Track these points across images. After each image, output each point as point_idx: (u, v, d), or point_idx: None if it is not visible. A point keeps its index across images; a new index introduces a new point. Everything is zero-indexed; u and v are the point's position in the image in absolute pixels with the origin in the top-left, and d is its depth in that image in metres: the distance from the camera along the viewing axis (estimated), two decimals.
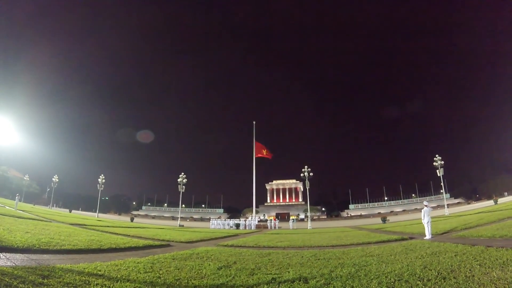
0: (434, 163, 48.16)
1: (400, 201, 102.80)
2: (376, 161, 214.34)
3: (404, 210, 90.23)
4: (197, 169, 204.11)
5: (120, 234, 17.49)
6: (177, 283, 5.85)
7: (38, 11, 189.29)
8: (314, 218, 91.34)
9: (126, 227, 25.56)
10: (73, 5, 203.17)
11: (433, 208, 59.02)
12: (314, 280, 5.96)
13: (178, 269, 7.13)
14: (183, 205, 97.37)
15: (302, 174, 46.92)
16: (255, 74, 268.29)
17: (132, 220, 52.09)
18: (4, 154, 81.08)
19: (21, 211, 28.84)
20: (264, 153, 53.37)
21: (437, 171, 47.61)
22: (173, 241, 15.44)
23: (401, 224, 30.89)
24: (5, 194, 75.00)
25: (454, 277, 5.54)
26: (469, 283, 5.11)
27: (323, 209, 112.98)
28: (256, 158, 53.51)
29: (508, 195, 70.26)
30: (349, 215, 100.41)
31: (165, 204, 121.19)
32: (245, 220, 47.05)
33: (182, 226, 43.58)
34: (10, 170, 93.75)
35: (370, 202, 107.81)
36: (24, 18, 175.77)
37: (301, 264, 8.05)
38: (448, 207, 48.26)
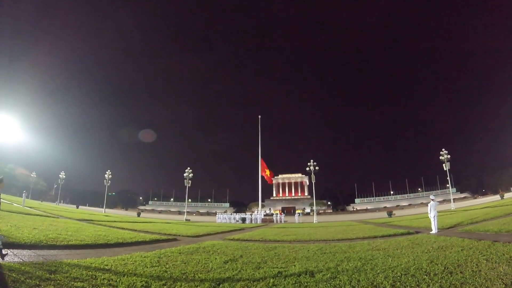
0: (441, 157, 47.91)
1: (406, 195, 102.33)
2: (382, 155, 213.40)
3: (410, 204, 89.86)
4: (203, 164, 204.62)
5: (127, 229, 17.62)
6: (184, 276, 5.87)
7: (41, 10, 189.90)
8: (320, 212, 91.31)
9: (133, 222, 25.76)
10: (74, 4, 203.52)
11: (439, 202, 58.59)
12: (320, 274, 5.95)
13: (185, 263, 7.17)
14: (189, 200, 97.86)
15: (307, 168, 46.77)
16: (260, 69, 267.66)
17: (138, 215, 52.47)
18: (11, 152, 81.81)
19: (28, 208, 29.13)
20: (267, 173, 53.68)
21: (444, 165, 47.36)
22: (179, 235, 15.53)
23: (407, 218, 30.76)
24: (13, 191, 75.78)
25: (460, 272, 5.50)
26: (476, 278, 5.07)
27: (329, 203, 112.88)
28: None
29: None
30: (355, 209, 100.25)
31: (172, 199, 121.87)
32: (251, 214, 47.25)
33: (189, 220, 43.87)
34: (17, 168, 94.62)
35: (376, 196, 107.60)
36: (28, 18, 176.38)
37: (307, 258, 8.05)
38: (454, 202, 48.02)
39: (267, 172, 54.38)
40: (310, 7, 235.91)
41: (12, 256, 6.52)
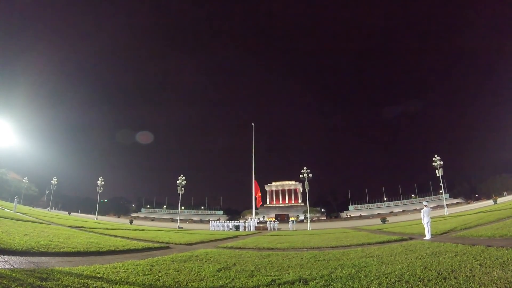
0: (433, 163, 48.27)
1: (399, 201, 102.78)
2: (375, 162, 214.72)
3: (403, 211, 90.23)
4: (197, 170, 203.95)
5: (119, 236, 17.42)
6: (176, 285, 5.82)
7: (37, 12, 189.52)
8: (314, 219, 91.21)
9: (125, 230, 25.47)
10: (71, 6, 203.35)
11: (433, 208, 59.03)
12: (314, 282, 5.93)
13: (177, 271, 7.09)
14: (182, 207, 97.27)
15: (301, 175, 46.89)
16: (254, 75, 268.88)
17: (131, 222, 51.90)
18: (3, 156, 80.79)
19: (20, 214, 28.68)
20: (259, 195, 55.32)
21: (436, 171, 47.69)
22: (172, 243, 15.40)
23: (401, 224, 30.87)
24: (4, 196, 74.73)
25: (454, 277, 5.52)
26: (469, 283, 5.09)
27: (323, 210, 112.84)
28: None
29: (508, 194, 70.32)
30: (348, 216, 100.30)
31: (164, 206, 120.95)
32: (245, 222, 47.05)
33: (182, 228, 43.52)
34: (9, 173, 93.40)
35: (369, 203, 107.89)
36: (23, 20, 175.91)
37: (300, 266, 8.02)
38: (447, 207, 48.30)
39: (259, 194, 56.23)
40: (306, 12, 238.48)
41: (3, 263, 6.43)
